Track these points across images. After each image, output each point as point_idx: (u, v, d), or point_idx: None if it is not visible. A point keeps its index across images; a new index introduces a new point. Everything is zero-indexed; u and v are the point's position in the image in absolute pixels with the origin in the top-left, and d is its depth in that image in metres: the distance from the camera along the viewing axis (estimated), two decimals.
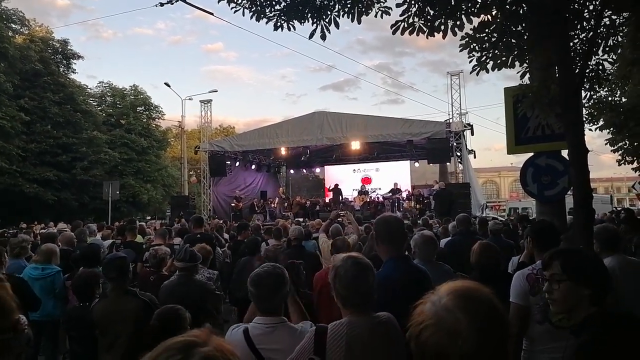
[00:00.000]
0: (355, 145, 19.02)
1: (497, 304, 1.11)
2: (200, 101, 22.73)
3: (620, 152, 11.68)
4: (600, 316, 1.76)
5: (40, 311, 4.65)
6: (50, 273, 5.06)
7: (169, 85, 24.99)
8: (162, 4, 5.45)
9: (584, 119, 7.10)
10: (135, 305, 3.42)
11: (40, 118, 25.05)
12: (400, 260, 2.71)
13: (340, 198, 21.31)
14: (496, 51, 4.25)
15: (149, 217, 31.87)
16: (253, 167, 22.93)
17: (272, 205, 21.10)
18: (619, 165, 12.18)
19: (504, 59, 4.28)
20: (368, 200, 20.38)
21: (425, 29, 4.41)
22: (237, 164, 21.73)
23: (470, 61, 4.40)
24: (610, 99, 10.89)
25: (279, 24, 4.82)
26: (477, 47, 4.32)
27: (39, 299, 4.52)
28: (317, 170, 28.65)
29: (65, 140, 25.54)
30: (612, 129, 11.19)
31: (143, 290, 4.39)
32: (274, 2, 4.79)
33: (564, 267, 1.89)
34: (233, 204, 20.41)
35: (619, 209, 22.18)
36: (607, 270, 1.96)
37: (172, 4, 5.45)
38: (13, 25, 25.41)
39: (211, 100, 22.72)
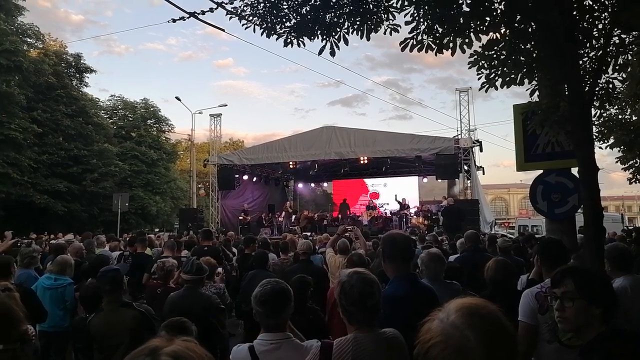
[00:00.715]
0: (364, 160, 19.06)
1: (505, 321, 1.10)
2: (210, 115, 22.98)
3: (631, 170, 11.53)
4: (612, 335, 1.74)
5: (48, 322, 4.66)
6: (62, 284, 5.08)
7: (179, 99, 25.27)
8: (174, 20, 5.54)
9: (594, 137, 7.06)
10: (132, 317, 3.41)
11: (52, 130, 25.40)
12: (406, 278, 2.68)
13: (348, 212, 21.27)
14: (505, 68, 4.27)
15: (157, 229, 31.97)
16: (261, 180, 23.00)
17: (280, 219, 21.10)
18: (630, 183, 12.00)
19: (512, 76, 4.30)
20: (376, 215, 20.31)
21: (434, 46, 4.45)
22: (246, 177, 21.82)
23: (479, 78, 4.42)
24: (620, 117, 10.81)
25: (289, 40, 4.88)
26: (485, 65, 4.35)
27: (46, 311, 4.54)
28: (325, 184, 28.66)
29: (77, 152, 25.83)
30: (622, 147, 11.08)
31: (150, 302, 4.40)
32: (284, 19, 4.86)
33: (577, 285, 1.88)
34: (241, 217, 20.44)
35: (630, 227, 21.88)
36: (614, 290, 1.95)
37: (184, 20, 5.53)
38: (28, 40, 25.93)
39: (221, 115, 22.96)
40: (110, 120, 31.96)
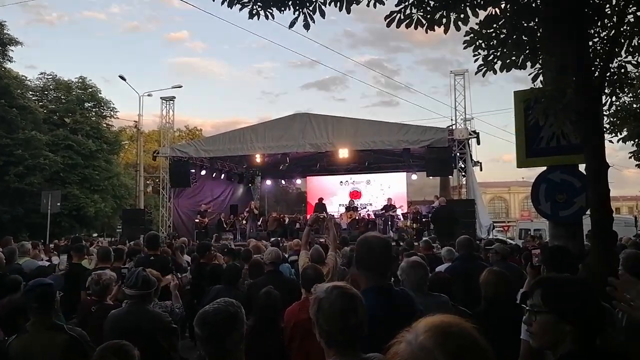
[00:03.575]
0: (343, 154, 19.11)
1: (480, 340, 1.14)
2: (161, 98, 22.70)
3: None
4: (579, 355, 1.82)
5: None
6: None
7: (124, 79, 24.87)
8: None
9: (605, 129, 7.25)
10: (61, 342, 3.31)
11: None
12: (379, 291, 2.67)
13: (325, 214, 21.33)
14: (505, 49, 4.33)
15: (95, 234, 31.35)
16: (222, 176, 22.84)
17: (244, 222, 21.02)
18: None
19: (513, 58, 4.37)
20: (357, 217, 20.44)
21: (424, 21, 4.49)
22: (204, 172, 21.63)
23: (476, 60, 4.48)
24: (635, 106, 11.13)
25: (254, 11, 4.84)
26: (483, 45, 4.40)
27: None
28: (298, 181, 28.65)
29: None
30: (636, 140, 11.43)
31: (83, 322, 4.31)
32: None
33: (544, 296, 1.95)
34: (197, 220, 20.27)
35: None
36: (601, 305, 1.99)
37: None
38: None
39: (174, 98, 22.69)
40: (40, 103, 31.12)
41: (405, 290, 2.99)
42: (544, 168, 5.55)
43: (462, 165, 18.01)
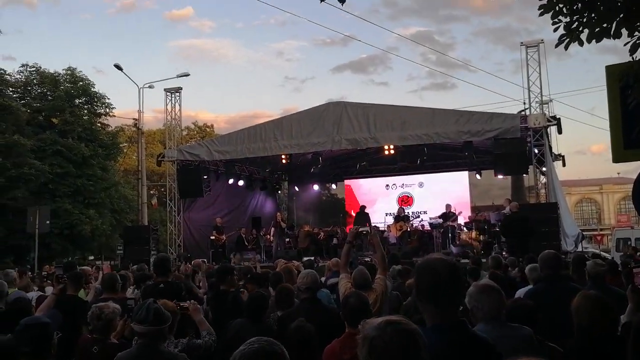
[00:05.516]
0: (389, 150, 19.05)
1: None
2: (165, 90, 22.97)
3: None
4: None
5: None
6: None
7: (120, 68, 25.31)
8: None
9: None
10: None
11: None
12: (449, 329, 2.65)
13: (368, 225, 21.29)
14: (594, 14, 4.24)
15: (91, 257, 31.95)
16: (241, 183, 23.03)
17: (269, 237, 21.12)
18: None
19: (605, 25, 4.28)
20: (408, 229, 20.32)
21: None
22: (218, 179, 21.86)
23: (556, 29, 4.40)
24: None
25: None
26: (565, 9, 4.32)
27: None
28: (334, 186, 28.66)
29: None
30: None
31: None
32: None
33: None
34: (213, 237, 20.47)
35: None
36: None
37: None
38: None
39: (181, 89, 22.94)
40: (22, 102, 31.94)
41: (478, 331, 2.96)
42: None
43: (540, 160, 17.70)
